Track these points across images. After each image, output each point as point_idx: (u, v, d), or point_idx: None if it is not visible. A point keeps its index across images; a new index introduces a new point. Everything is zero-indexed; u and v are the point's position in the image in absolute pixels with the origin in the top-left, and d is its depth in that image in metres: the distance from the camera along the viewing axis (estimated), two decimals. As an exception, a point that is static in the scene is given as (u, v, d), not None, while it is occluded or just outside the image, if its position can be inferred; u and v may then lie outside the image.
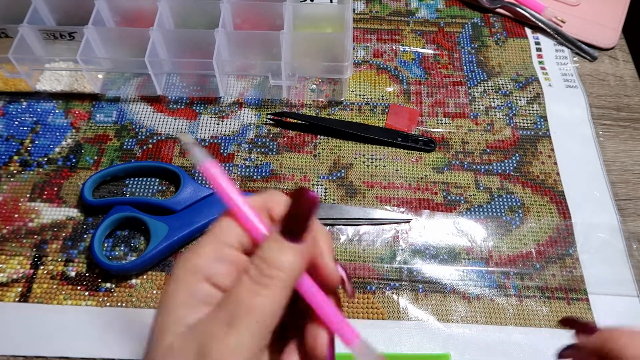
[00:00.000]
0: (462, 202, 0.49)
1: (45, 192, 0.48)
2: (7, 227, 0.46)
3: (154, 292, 0.43)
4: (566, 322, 0.32)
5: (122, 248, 0.45)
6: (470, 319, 0.43)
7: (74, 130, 0.52)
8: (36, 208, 0.47)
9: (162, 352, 0.22)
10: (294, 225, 0.24)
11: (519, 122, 0.54)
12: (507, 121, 0.54)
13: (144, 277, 0.44)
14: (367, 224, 0.47)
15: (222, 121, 0.53)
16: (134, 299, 0.43)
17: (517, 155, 0.52)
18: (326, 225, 0.47)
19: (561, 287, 0.44)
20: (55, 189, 0.48)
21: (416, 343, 0.41)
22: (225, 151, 0.51)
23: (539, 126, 0.54)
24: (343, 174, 0.50)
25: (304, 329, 0.26)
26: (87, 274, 0.44)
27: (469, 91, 0.56)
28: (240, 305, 0.22)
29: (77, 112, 0.53)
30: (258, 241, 0.24)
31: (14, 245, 0.45)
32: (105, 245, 0.45)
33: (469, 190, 0.49)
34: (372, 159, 0.51)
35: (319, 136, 0.52)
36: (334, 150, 0.51)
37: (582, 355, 0.30)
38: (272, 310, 0.23)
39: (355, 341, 0.25)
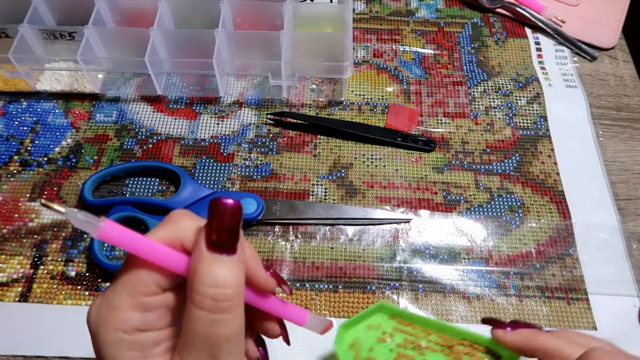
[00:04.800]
0: (462, 202, 0.49)
1: (46, 192, 0.48)
2: (7, 227, 0.46)
3: (154, 292, 0.43)
4: (485, 321, 0.33)
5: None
6: (470, 319, 0.43)
7: (74, 130, 0.52)
8: (36, 208, 0.47)
9: None
10: (221, 238, 0.22)
11: (519, 122, 0.54)
12: (507, 121, 0.54)
13: (144, 277, 0.44)
14: (367, 224, 0.47)
15: (222, 121, 0.53)
16: (134, 299, 0.43)
17: (517, 155, 0.52)
18: (326, 225, 0.47)
19: (561, 287, 0.44)
20: (55, 188, 0.48)
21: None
22: (225, 151, 0.51)
23: (539, 126, 0.54)
24: (343, 174, 0.50)
25: (256, 328, 0.28)
26: (87, 274, 0.44)
27: (469, 91, 0.56)
28: (212, 339, 0.22)
29: (77, 112, 0.53)
30: (185, 272, 0.23)
31: (14, 245, 0.45)
32: (105, 245, 0.45)
33: (469, 190, 0.49)
34: (372, 159, 0.51)
35: (319, 136, 0.52)
36: (334, 150, 0.51)
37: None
38: (239, 327, 0.23)
39: (304, 318, 0.28)
